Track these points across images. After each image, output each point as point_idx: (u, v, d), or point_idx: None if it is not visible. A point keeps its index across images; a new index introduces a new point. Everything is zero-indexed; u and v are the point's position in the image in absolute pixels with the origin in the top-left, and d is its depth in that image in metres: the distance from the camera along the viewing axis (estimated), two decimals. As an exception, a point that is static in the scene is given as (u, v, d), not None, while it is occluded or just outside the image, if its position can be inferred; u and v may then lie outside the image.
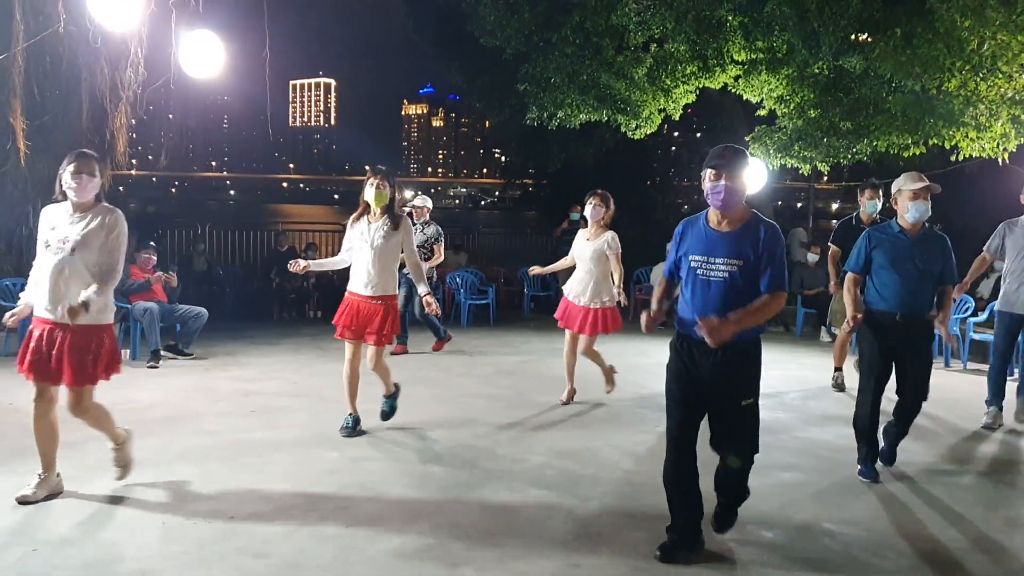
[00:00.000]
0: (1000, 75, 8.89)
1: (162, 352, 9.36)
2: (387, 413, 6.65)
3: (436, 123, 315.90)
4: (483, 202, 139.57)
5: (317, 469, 5.56)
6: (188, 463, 5.64)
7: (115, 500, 4.93)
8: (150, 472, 5.43)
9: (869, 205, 8.01)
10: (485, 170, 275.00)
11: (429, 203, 10.40)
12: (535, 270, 8.42)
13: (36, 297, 4.75)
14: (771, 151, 11.11)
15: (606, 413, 7.35)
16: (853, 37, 10.05)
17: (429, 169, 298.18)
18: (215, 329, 10.42)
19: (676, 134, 17.51)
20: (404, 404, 7.52)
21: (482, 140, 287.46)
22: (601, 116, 11.90)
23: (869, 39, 9.79)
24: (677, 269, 4.24)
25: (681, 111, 11.74)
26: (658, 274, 13.75)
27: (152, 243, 10.37)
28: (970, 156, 9.94)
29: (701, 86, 11.36)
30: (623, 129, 12.07)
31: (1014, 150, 9.32)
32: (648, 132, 12.02)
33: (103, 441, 6.14)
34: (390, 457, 5.87)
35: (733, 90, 11.44)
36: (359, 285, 6.27)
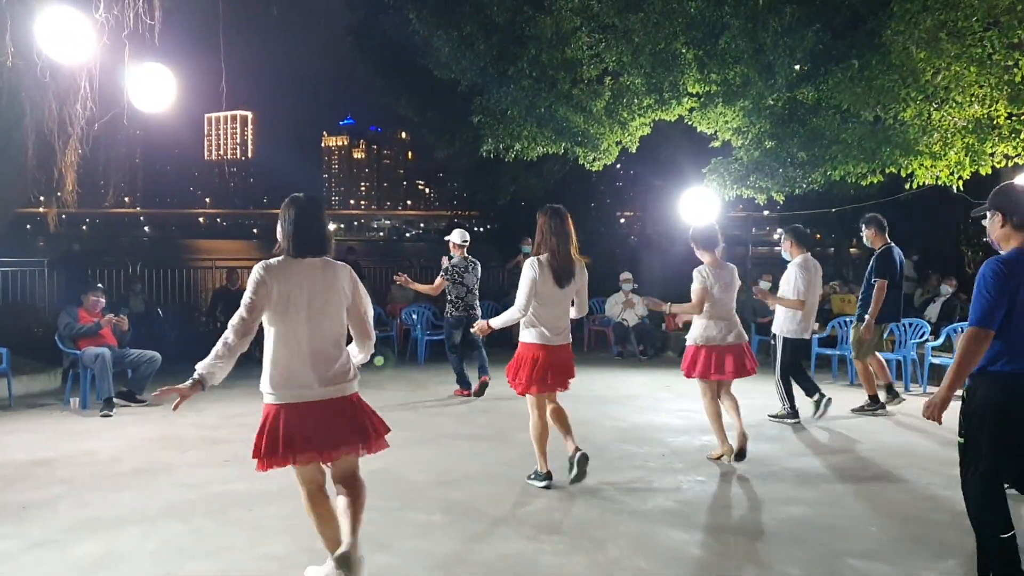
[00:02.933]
0: (954, 104, 9.16)
1: (114, 400, 8.91)
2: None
3: (357, 155, 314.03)
4: (408, 234, 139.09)
5: (311, 521, 5.28)
6: (175, 519, 5.31)
7: (104, 563, 4.59)
8: (135, 530, 5.10)
9: None
10: (409, 202, 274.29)
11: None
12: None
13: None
14: (727, 182, 11.24)
15: (590, 450, 7.16)
16: (803, 68, 10.23)
17: (351, 201, 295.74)
18: (160, 372, 9.89)
19: (619, 166, 17.60)
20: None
21: (405, 172, 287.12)
22: (559, 148, 11.89)
23: (823, 71, 9.98)
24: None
25: (637, 143, 11.80)
26: (613, 306, 13.86)
27: (100, 284, 9.94)
28: (922, 184, 10.21)
29: (657, 119, 11.44)
30: (581, 161, 12.08)
31: (968, 177, 9.60)
32: (606, 163, 12.07)
33: (72, 497, 5.80)
34: (387, 507, 5.61)
35: (689, 122, 11.55)
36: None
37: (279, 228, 4.01)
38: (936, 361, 10.30)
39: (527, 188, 16.34)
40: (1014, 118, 9.17)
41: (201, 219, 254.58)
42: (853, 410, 8.79)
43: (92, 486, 6.09)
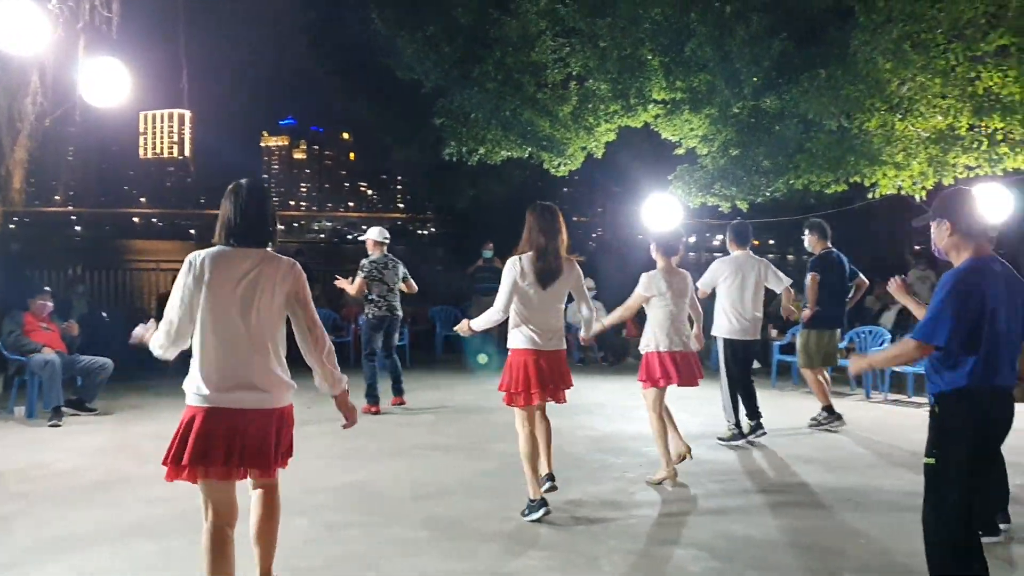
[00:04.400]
0: (918, 115, 9.27)
1: (63, 408, 8.51)
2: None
3: (298, 155, 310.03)
4: (349, 236, 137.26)
5: (292, 539, 5.03)
6: (144, 538, 5.04)
7: (74, 589, 4.32)
8: (104, 549, 4.83)
9: None
10: (351, 204, 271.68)
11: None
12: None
13: None
14: (692, 190, 11.23)
15: (569, 461, 7.05)
16: (769, 76, 10.25)
17: (292, 203, 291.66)
18: (111, 379, 9.44)
19: (573, 174, 17.63)
20: (358, 459, 7.10)
21: (348, 173, 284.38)
22: (524, 153, 11.76)
23: (787, 79, 10.01)
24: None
25: (603, 149, 11.74)
26: (575, 312, 13.77)
27: (47, 288, 9.50)
28: (884, 194, 10.31)
29: (623, 125, 11.39)
30: (546, 166, 11.97)
31: (931, 188, 9.72)
32: (572, 169, 11.98)
33: (30, 514, 5.48)
34: (368, 523, 5.41)
35: (655, 128, 11.52)
36: None
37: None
38: (897, 369, 10.40)
39: (486, 192, 16.19)
40: (976, 129, 9.31)
41: (136, 219, 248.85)
42: (809, 424, 8.58)
43: (51, 502, 5.76)
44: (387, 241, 9.27)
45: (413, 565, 4.69)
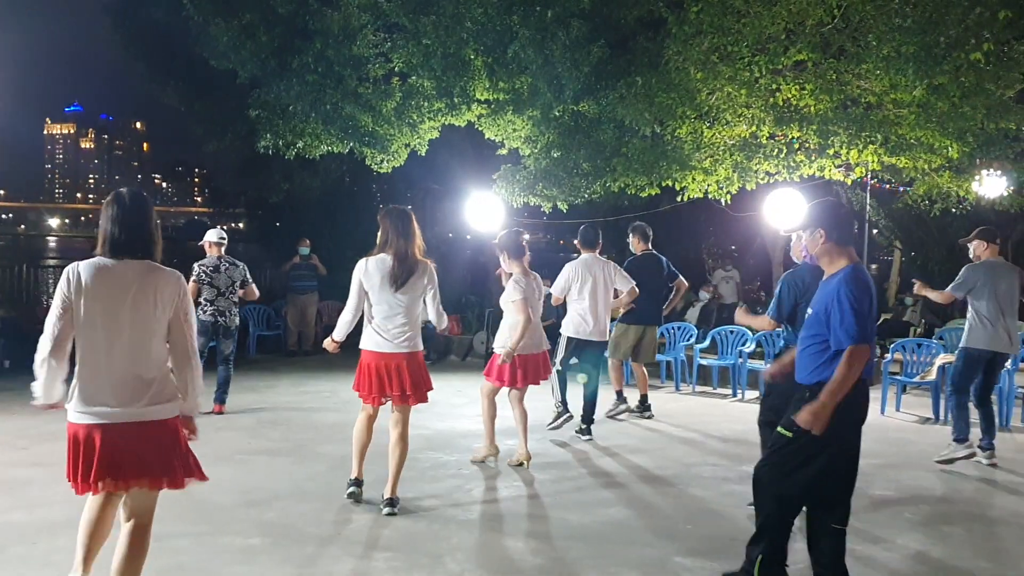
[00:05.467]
0: (724, 123, 9.86)
1: None
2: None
3: (85, 144, 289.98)
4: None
5: (113, 553, 4.72)
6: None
7: None
8: None
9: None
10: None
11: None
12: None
13: None
14: (515, 190, 11.42)
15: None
16: (589, 81, 10.58)
17: (78, 195, 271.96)
18: None
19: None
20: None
21: (140, 164, 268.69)
22: (345, 148, 11.51)
23: (604, 85, 10.37)
24: None
25: (427, 147, 11.70)
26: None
27: None
28: (691, 197, 10.91)
29: (447, 123, 11.40)
30: (368, 162, 11.78)
31: (736, 192, 10.37)
32: (395, 166, 11.86)
33: None
34: (198, 532, 5.14)
35: (479, 127, 11.61)
36: None
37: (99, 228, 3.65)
38: (704, 362, 11.02)
39: (302, 187, 15.73)
40: (776, 138, 10.02)
41: None
42: (631, 410, 9.11)
43: None
44: (223, 242, 8.94)
45: (251, 573, 4.51)
